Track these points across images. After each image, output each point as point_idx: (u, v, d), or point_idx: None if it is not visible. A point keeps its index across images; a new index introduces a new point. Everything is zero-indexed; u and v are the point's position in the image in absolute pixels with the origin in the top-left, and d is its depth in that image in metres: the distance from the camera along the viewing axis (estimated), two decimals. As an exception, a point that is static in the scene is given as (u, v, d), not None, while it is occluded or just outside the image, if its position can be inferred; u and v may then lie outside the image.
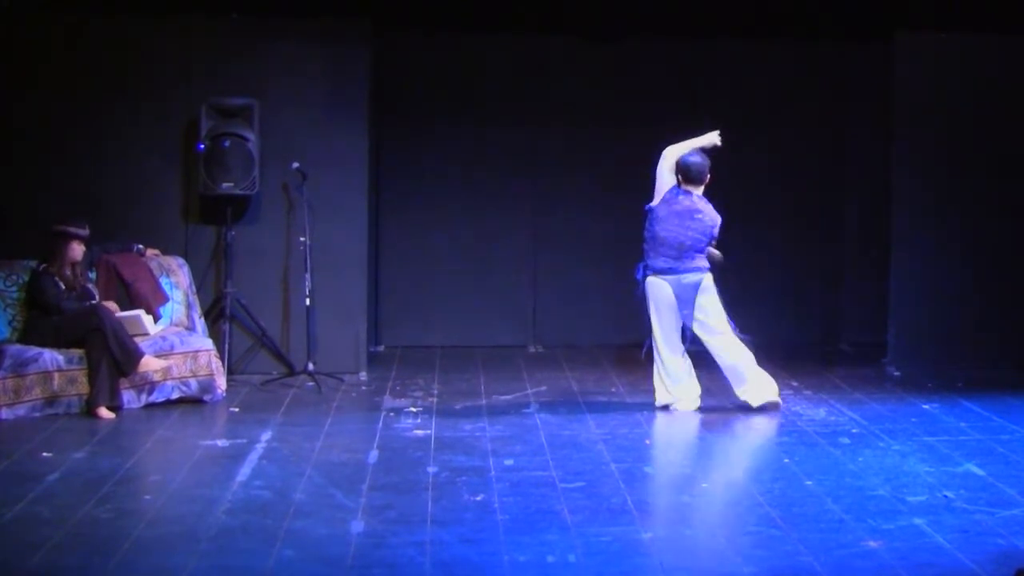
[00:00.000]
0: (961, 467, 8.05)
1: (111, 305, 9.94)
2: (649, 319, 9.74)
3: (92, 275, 10.19)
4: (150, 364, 9.70)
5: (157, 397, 9.86)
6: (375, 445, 8.63)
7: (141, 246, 10.57)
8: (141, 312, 10.10)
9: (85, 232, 9.89)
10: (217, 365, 10.22)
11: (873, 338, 12.09)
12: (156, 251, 10.68)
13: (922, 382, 10.90)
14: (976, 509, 7.11)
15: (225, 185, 10.78)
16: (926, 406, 9.98)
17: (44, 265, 9.83)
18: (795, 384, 10.82)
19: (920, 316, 11.60)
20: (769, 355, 12.00)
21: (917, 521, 6.87)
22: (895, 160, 11.69)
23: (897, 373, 11.38)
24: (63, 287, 9.81)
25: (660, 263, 9.62)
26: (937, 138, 11.60)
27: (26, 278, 9.93)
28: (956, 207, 11.60)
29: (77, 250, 9.88)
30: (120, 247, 10.48)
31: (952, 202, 11.59)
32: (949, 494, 7.41)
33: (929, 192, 11.61)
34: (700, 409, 9.72)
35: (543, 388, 10.71)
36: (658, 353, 9.78)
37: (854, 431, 9.09)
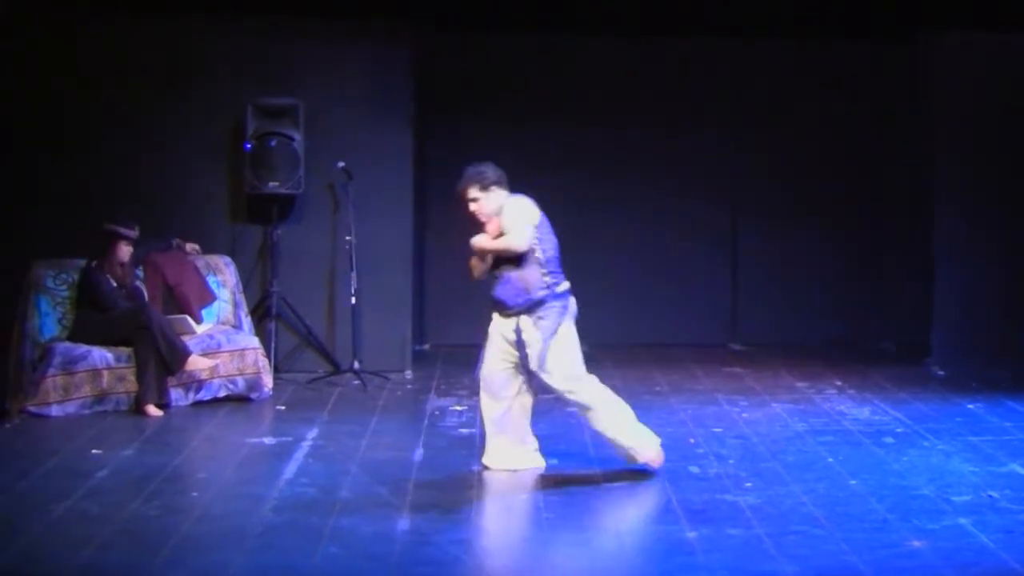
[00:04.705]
0: (1006, 467, 8.01)
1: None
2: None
3: (139, 273, 10.27)
4: (197, 363, 9.76)
5: (204, 395, 9.94)
6: (420, 443, 8.67)
7: (178, 240, 10.56)
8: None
9: (134, 234, 9.92)
10: (263, 363, 10.28)
11: (917, 337, 12.03)
12: (195, 246, 10.66)
13: (966, 382, 10.84)
14: (1021, 509, 7.06)
15: (271, 184, 10.86)
16: (970, 406, 9.93)
17: (95, 262, 9.90)
18: (839, 383, 10.80)
19: (964, 315, 11.56)
20: (813, 354, 12.03)
21: (961, 521, 6.84)
22: (939, 160, 11.63)
23: (941, 372, 11.33)
24: (115, 284, 9.90)
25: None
26: (982, 137, 11.55)
27: (75, 277, 10.00)
28: (1001, 207, 11.54)
29: (125, 251, 9.93)
30: (160, 245, 10.46)
31: (997, 202, 11.55)
32: (994, 494, 7.38)
33: (973, 191, 11.57)
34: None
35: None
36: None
37: (898, 430, 9.06)
